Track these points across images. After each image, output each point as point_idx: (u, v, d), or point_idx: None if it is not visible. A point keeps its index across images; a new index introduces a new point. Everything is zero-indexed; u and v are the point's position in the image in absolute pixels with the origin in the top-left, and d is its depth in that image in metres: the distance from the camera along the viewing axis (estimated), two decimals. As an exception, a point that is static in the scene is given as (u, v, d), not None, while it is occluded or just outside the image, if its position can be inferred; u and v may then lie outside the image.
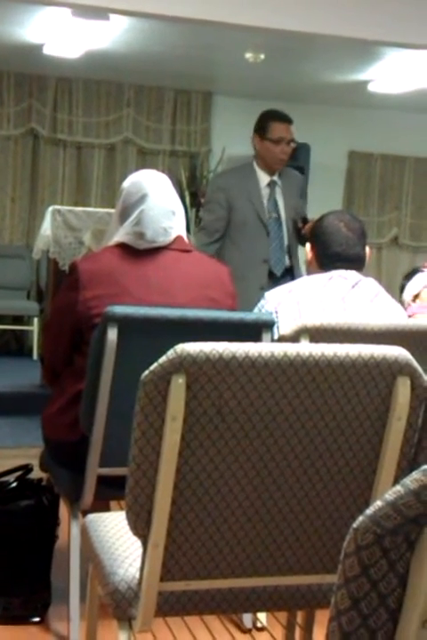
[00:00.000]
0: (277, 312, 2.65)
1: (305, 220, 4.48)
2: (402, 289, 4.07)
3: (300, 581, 1.73)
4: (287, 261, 4.55)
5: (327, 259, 2.75)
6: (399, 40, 4.54)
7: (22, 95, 7.44)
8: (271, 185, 4.52)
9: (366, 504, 1.63)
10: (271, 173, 4.50)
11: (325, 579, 1.73)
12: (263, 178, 4.50)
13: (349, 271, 2.73)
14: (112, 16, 4.90)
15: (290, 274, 4.52)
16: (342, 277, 2.71)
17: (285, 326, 2.39)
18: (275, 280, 4.40)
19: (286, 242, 4.54)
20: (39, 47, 6.31)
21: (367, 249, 2.83)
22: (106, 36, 5.84)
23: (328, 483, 1.66)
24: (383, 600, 0.84)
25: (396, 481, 1.62)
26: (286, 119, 4.47)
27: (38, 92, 7.48)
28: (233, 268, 4.38)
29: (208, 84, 7.67)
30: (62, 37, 5.93)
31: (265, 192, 4.51)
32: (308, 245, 2.86)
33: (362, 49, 5.72)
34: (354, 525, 0.83)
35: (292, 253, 4.56)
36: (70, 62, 6.78)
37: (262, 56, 6.14)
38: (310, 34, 4.44)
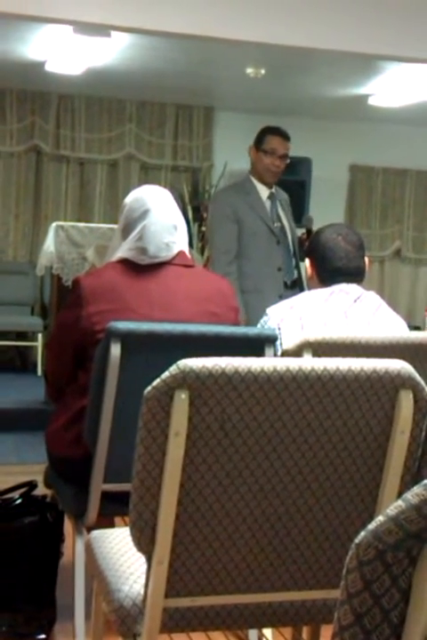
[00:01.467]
0: (279, 328, 2.65)
1: (310, 232, 4.50)
2: None
3: (305, 597, 1.72)
4: (295, 272, 4.57)
5: (328, 274, 2.74)
6: (399, 54, 4.56)
7: (25, 112, 7.47)
8: (271, 197, 4.57)
9: (371, 518, 1.63)
10: (268, 186, 4.55)
11: (330, 594, 1.72)
12: (263, 190, 4.54)
13: (350, 285, 2.72)
14: (113, 33, 4.92)
15: (299, 285, 4.54)
16: (344, 292, 2.71)
17: (288, 341, 2.38)
18: (287, 289, 4.43)
19: (291, 251, 4.57)
20: (41, 64, 6.34)
21: (366, 260, 2.82)
22: (107, 52, 5.86)
23: (332, 497, 1.66)
24: (386, 615, 0.84)
25: (400, 495, 1.61)
26: (281, 133, 4.54)
27: (41, 108, 7.51)
28: (246, 282, 4.43)
29: (210, 99, 7.70)
30: (64, 54, 5.96)
31: (267, 203, 4.55)
32: (307, 261, 2.86)
33: (362, 63, 5.74)
34: (356, 541, 0.83)
35: (298, 265, 4.59)
36: (72, 79, 6.81)
37: (263, 71, 6.16)
38: (311, 49, 4.46)
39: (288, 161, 4.56)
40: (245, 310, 4.06)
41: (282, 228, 4.57)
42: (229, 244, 4.42)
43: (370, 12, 4.37)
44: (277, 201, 4.58)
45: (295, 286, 4.54)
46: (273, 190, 4.57)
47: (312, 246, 2.84)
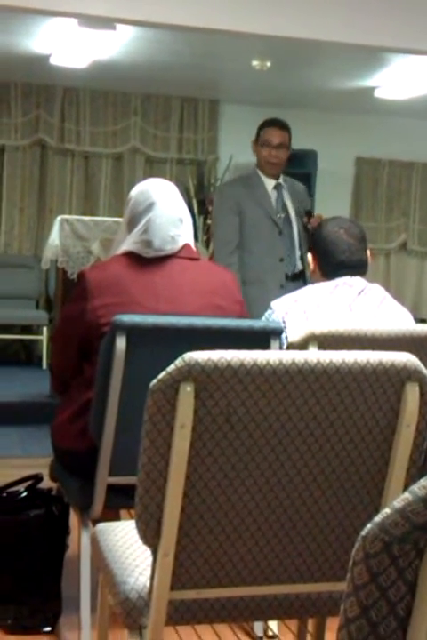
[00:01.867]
0: (284, 322, 2.65)
1: (310, 214, 4.55)
2: None
3: (310, 589, 1.72)
4: (299, 264, 4.57)
5: (331, 267, 2.75)
6: (405, 46, 4.54)
7: (30, 106, 7.47)
8: (278, 187, 4.59)
9: (376, 511, 1.63)
10: (273, 177, 4.57)
11: (335, 586, 1.72)
12: (269, 182, 4.57)
13: (354, 278, 2.73)
14: (118, 26, 4.92)
15: (303, 278, 4.54)
16: (348, 285, 2.71)
17: (293, 335, 2.38)
18: (289, 280, 4.44)
19: (297, 241, 4.57)
20: (46, 57, 6.34)
21: (368, 253, 2.83)
22: (112, 45, 5.85)
23: (338, 490, 1.65)
24: (393, 608, 0.84)
25: (405, 488, 1.61)
26: (274, 124, 4.57)
27: (46, 102, 7.51)
28: (248, 274, 4.44)
29: (215, 92, 7.68)
30: (69, 47, 5.95)
31: (273, 194, 4.57)
32: (310, 255, 2.86)
33: (368, 55, 5.72)
34: (362, 533, 0.83)
35: (303, 256, 4.58)
36: (77, 72, 6.81)
37: (269, 63, 6.15)
38: (317, 41, 4.45)
39: (289, 151, 4.57)
40: (245, 301, 4.08)
41: (287, 218, 4.57)
42: (230, 236, 4.45)
43: (376, 4, 4.35)
44: (283, 191, 4.59)
45: (299, 278, 4.54)
46: (280, 181, 4.58)
47: (315, 240, 2.85)
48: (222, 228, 4.55)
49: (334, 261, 2.74)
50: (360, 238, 2.78)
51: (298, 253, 4.60)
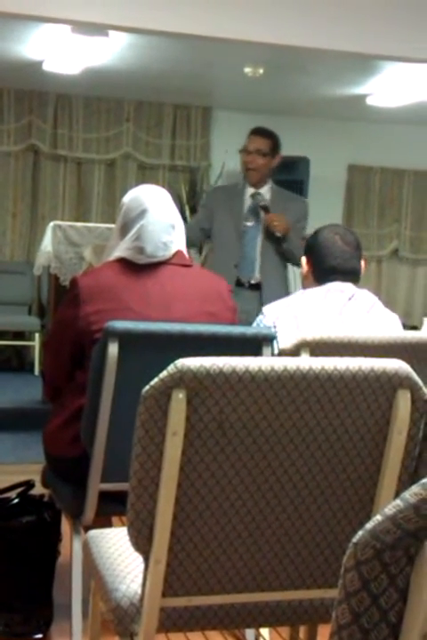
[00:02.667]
0: (275, 326, 2.66)
1: (266, 209, 4.60)
2: None
3: (302, 596, 1.72)
4: (258, 275, 4.60)
5: (323, 272, 2.77)
6: (398, 54, 4.56)
7: (22, 111, 7.46)
8: (255, 196, 4.69)
9: (368, 518, 1.63)
10: (254, 186, 4.69)
11: (327, 593, 1.72)
12: (249, 190, 4.72)
13: (345, 284, 2.74)
14: (111, 32, 4.92)
15: (258, 289, 4.63)
16: (339, 291, 2.72)
17: (284, 340, 2.39)
18: (243, 289, 4.50)
19: (258, 252, 4.59)
20: (39, 63, 6.33)
21: (362, 262, 2.84)
22: (105, 52, 5.85)
23: (330, 497, 1.66)
24: (384, 615, 0.84)
25: (397, 494, 1.61)
26: (255, 131, 4.73)
27: (38, 108, 7.50)
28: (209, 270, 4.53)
29: (207, 99, 7.69)
30: (62, 54, 5.95)
31: (247, 202, 4.70)
32: (304, 259, 2.88)
33: (361, 63, 5.74)
34: (354, 540, 0.83)
35: (264, 267, 4.62)
36: (70, 78, 6.80)
37: (261, 70, 6.16)
38: (309, 48, 4.46)
39: (269, 159, 4.65)
40: None
41: (255, 227, 4.63)
42: (192, 230, 4.49)
43: (368, 12, 4.37)
44: (259, 202, 4.66)
45: (255, 289, 4.63)
46: (260, 190, 4.68)
47: (309, 245, 2.87)
48: (191, 221, 4.93)
49: (327, 266, 2.76)
50: (355, 246, 2.80)
51: (258, 264, 4.62)
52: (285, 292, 4.57)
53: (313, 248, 2.83)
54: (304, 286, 2.89)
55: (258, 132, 4.72)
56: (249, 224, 4.65)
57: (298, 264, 4.60)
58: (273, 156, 4.65)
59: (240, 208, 4.66)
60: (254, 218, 4.65)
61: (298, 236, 4.62)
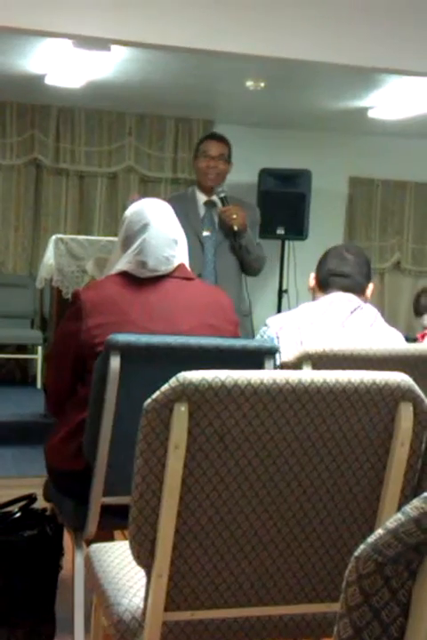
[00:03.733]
0: (278, 337, 2.67)
1: (224, 201, 4.57)
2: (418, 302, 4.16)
3: (305, 610, 1.72)
4: (213, 282, 4.62)
5: (323, 274, 2.81)
6: (399, 67, 4.57)
7: (25, 125, 7.49)
8: (209, 204, 4.67)
9: (371, 531, 1.63)
10: (207, 193, 4.66)
11: (330, 607, 1.72)
12: (201, 198, 4.68)
13: (348, 294, 2.75)
14: (113, 47, 4.94)
15: None
16: (346, 300, 2.73)
17: (286, 351, 2.39)
18: None
19: (212, 261, 4.61)
20: (41, 78, 6.36)
21: (371, 285, 2.86)
22: (107, 66, 5.88)
23: (332, 510, 1.65)
24: (386, 629, 0.84)
25: (399, 508, 1.61)
26: (212, 137, 4.74)
27: (41, 122, 7.52)
28: None
29: (209, 113, 7.71)
30: (64, 68, 5.98)
31: (202, 210, 4.67)
32: (312, 274, 2.91)
33: (362, 76, 5.75)
34: (356, 554, 0.83)
35: (219, 275, 4.61)
36: (72, 92, 6.83)
37: (263, 84, 6.18)
38: (311, 62, 4.47)
39: (228, 164, 4.64)
40: None
41: (213, 236, 4.62)
42: None
43: (369, 26, 4.38)
44: (213, 210, 4.66)
45: None
46: (213, 198, 4.65)
47: (319, 260, 2.92)
48: None
49: (325, 268, 2.81)
50: (359, 257, 2.83)
51: (213, 274, 4.62)
52: (238, 295, 4.56)
53: (320, 259, 2.89)
54: (313, 298, 2.92)
55: (217, 137, 4.71)
56: (207, 234, 4.62)
57: (255, 263, 4.63)
58: (229, 161, 4.67)
59: (195, 217, 4.61)
60: (212, 227, 4.64)
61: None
